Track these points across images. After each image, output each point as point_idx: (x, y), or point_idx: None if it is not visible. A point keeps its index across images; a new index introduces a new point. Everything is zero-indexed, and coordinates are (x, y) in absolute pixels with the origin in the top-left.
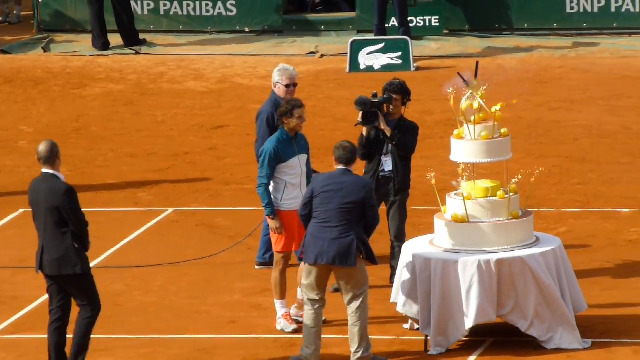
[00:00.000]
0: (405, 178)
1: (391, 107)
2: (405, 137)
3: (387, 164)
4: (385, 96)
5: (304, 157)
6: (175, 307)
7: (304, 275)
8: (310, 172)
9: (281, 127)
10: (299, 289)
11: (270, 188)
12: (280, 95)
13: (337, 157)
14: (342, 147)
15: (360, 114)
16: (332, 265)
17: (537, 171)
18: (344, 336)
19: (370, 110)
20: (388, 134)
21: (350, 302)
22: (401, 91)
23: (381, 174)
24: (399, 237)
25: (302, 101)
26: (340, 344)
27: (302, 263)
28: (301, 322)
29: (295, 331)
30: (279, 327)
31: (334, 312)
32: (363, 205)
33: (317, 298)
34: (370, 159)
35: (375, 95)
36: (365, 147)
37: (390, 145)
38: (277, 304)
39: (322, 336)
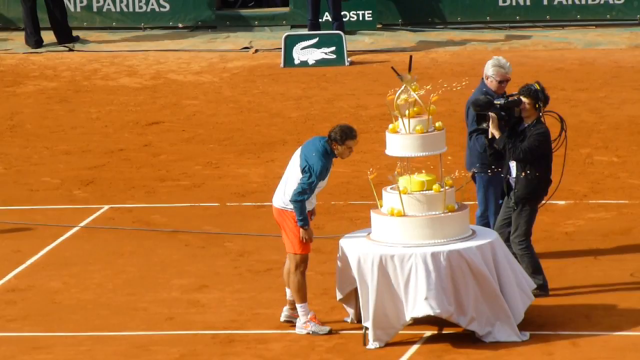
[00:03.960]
0: (525, 188)
1: (519, 110)
2: (521, 142)
3: (514, 169)
4: (509, 98)
5: None
6: (112, 304)
7: None
8: None
9: (328, 145)
10: (287, 290)
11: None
12: (492, 88)
13: None
14: None
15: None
16: None
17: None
18: (282, 331)
19: (481, 112)
20: (497, 137)
21: None
22: (529, 94)
23: (510, 179)
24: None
25: (357, 133)
26: (278, 339)
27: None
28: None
29: (330, 332)
30: (307, 331)
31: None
32: None
33: None
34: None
35: (506, 98)
36: (489, 147)
37: None
38: (302, 308)
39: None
